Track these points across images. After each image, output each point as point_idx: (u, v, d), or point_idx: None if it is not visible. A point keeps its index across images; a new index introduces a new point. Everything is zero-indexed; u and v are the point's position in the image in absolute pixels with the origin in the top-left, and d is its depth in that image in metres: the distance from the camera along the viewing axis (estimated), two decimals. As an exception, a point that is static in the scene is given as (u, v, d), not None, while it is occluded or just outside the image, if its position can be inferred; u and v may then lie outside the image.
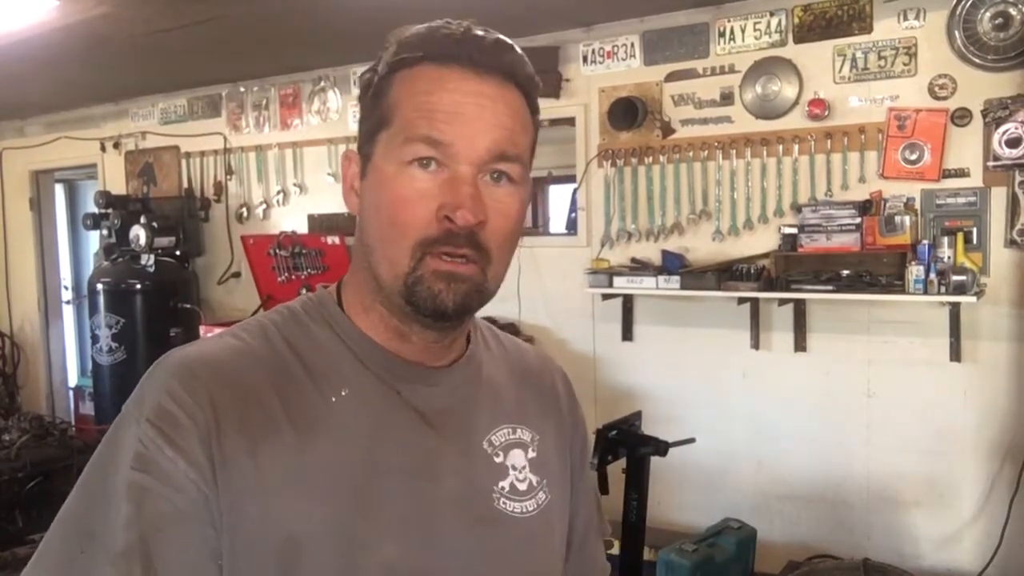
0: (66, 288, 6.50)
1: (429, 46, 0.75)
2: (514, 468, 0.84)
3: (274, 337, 0.79)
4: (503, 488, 0.82)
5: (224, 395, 0.72)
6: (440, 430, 0.80)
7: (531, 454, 0.87)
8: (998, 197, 2.91)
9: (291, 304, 0.84)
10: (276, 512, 0.71)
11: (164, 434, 0.69)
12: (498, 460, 0.83)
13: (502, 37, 0.79)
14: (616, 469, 2.89)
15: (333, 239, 4.21)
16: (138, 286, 4.69)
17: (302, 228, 4.47)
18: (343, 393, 0.77)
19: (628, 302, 3.64)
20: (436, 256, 0.73)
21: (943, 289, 2.83)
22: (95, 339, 4.79)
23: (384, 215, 0.74)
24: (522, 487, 0.84)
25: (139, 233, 4.65)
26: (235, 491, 0.70)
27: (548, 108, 3.76)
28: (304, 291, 3.77)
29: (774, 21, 3.24)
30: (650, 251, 3.55)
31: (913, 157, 3.02)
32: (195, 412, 0.70)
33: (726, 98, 3.36)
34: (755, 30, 3.28)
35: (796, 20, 3.20)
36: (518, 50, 0.80)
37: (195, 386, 0.71)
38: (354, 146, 0.82)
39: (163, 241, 4.72)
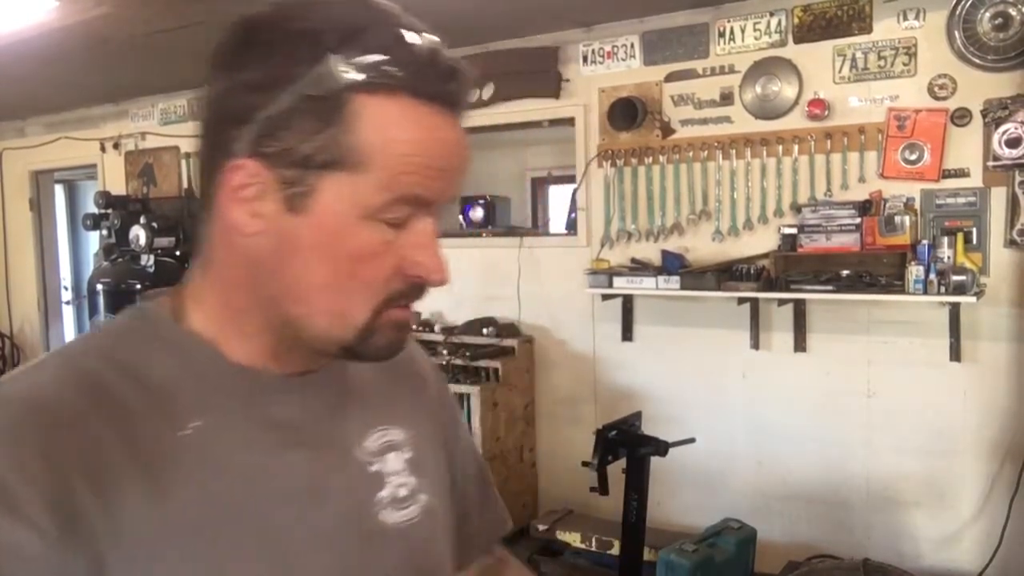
0: (66, 288, 6.50)
1: (406, 72, 0.63)
2: (391, 474, 0.77)
3: (101, 366, 0.66)
4: (383, 499, 0.75)
5: (56, 443, 0.60)
6: (313, 445, 0.71)
7: (407, 455, 0.79)
8: (998, 197, 2.91)
9: (114, 324, 0.71)
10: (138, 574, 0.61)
11: None
12: (373, 468, 0.76)
13: (461, 62, 0.68)
14: (616, 469, 2.89)
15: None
16: (138, 286, 4.69)
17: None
18: (197, 424, 0.66)
19: (628, 302, 3.64)
20: (394, 307, 0.68)
21: (943, 289, 2.83)
22: (95, 339, 4.78)
23: (342, 268, 0.65)
24: (402, 493, 0.77)
25: (139, 233, 4.66)
26: (92, 554, 0.59)
27: (548, 108, 3.78)
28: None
29: (774, 21, 3.24)
30: (650, 251, 3.55)
31: (913, 157, 3.02)
32: (26, 471, 0.58)
33: (726, 98, 3.36)
34: (755, 30, 3.28)
35: (796, 20, 3.20)
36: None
37: (20, 437, 0.60)
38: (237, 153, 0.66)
39: (163, 241, 4.72)
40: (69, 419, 0.62)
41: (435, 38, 0.66)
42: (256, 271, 0.67)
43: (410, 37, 0.64)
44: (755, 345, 3.35)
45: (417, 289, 0.68)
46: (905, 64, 3.02)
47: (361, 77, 0.61)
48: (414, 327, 4.05)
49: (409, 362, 0.87)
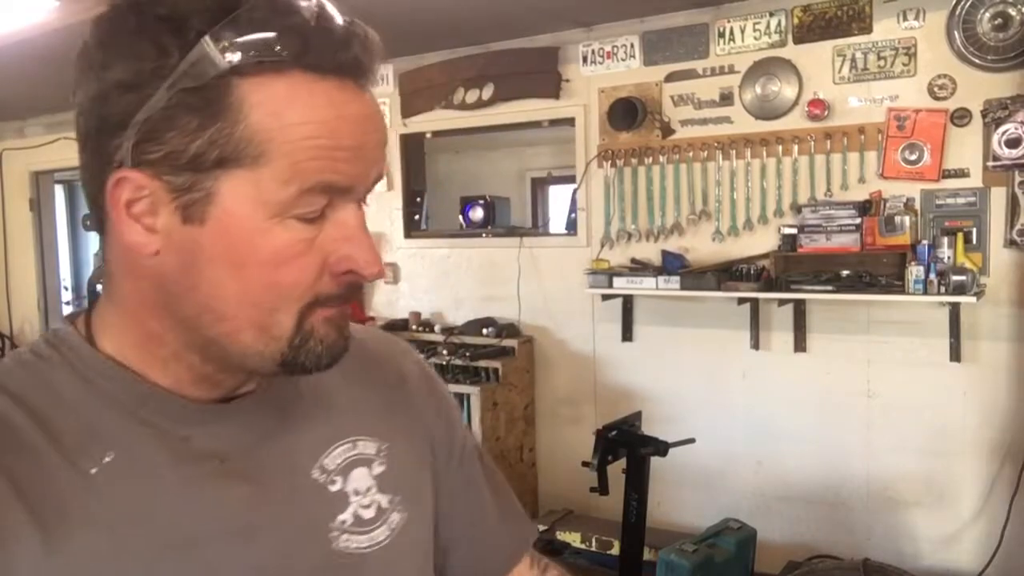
0: (66, 289, 6.50)
1: (292, 45, 0.54)
2: (356, 493, 0.69)
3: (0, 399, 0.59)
4: (344, 522, 0.68)
5: None
6: (251, 474, 0.64)
7: (377, 469, 0.72)
8: (998, 197, 2.91)
9: (22, 350, 0.64)
10: None
11: None
12: (335, 488, 0.68)
13: (358, 24, 0.59)
14: (616, 469, 2.89)
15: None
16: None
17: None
18: (106, 460, 0.58)
19: (628, 302, 3.64)
20: (323, 306, 0.60)
21: (943, 289, 2.83)
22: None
23: (256, 277, 0.57)
24: (368, 514, 0.69)
25: (139, 233, 4.65)
26: None
27: (548, 108, 3.78)
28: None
29: (774, 21, 3.24)
30: (650, 251, 3.55)
31: (913, 157, 3.02)
32: None
33: (726, 98, 3.36)
34: (755, 30, 3.28)
35: (796, 20, 3.20)
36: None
37: None
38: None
39: (163, 241, 4.72)
40: None
41: (330, 5, 0.57)
42: (165, 293, 0.60)
43: (292, 4, 0.55)
44: (755, 345, 3.35)
45: (351, 288, 0.61)
46: (905, 64, 3.02)
47: (240, 58, 0.53)
48: (414, 328, 4.05)
49: (384, 362, 0.80)
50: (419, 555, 0.76)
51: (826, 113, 3.14)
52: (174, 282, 0.59)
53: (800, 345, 3.27)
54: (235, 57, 0.53)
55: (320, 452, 0.69)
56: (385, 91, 4.14)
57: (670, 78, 3.48)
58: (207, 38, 0.53)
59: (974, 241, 2.94)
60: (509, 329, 3.90)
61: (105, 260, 0.64)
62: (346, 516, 0.68)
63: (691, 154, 3.45)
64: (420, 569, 0.76)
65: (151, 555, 0.58)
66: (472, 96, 3.92)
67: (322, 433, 0.70)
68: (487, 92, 3.88)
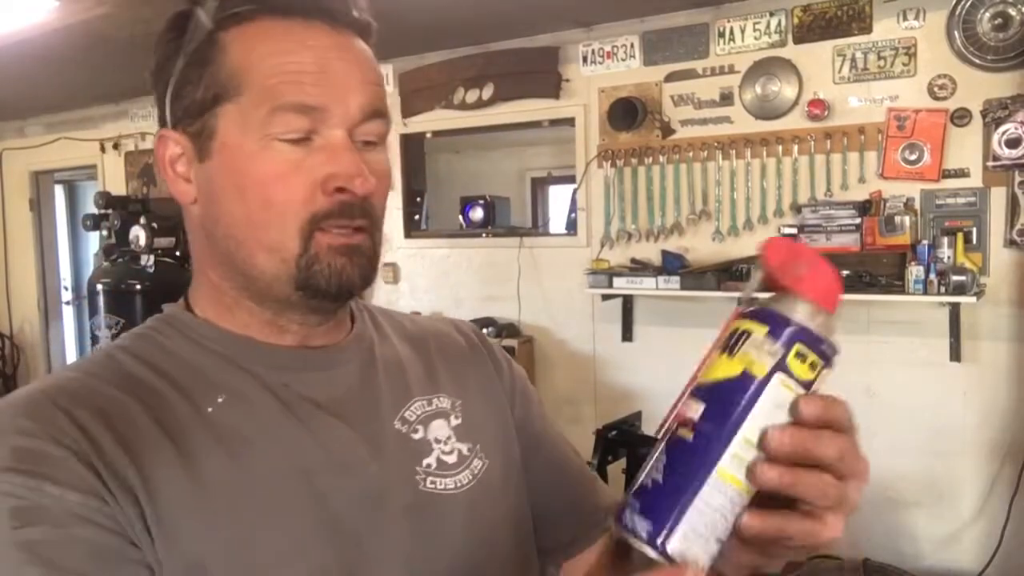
0: (66, 289, 6.50)
1: None
2: (438, 441, 0.75)
3: (122, 359, 0.68)
4: (429, 466, 0.73)
5: (86, 416, 0.61)
6: (344, 417, 0.70)
7: (455, 421, 0.77)
8: (998, 197, 2.91)
9: (133, 329, 0.74)
10: (175, 537, 0.60)
11: (37, 474, 0.57)
12: (417, 436, 0.74)
13: None
14: (616, 469, 2.89)
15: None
16: (138, 287, 4.68)
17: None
18: (219, 400, 0.67)
19: (628, 302, 3.64)
20: (327, 231, 0.66)
21: (943, 289, 2.83)
22: (95, 340, 4.78)
23: (253, 197, 0.65)
24: (451, 459, 0.75)
25: (139, 234, 4.65)
26: (132, 516, 0.59)
27: (548, 108, 3.78)
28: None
29: (774, 21, 3.24)
30: (650, 251, 3.55)
31: (913, 157, 3.02)
32: (63, 438, 0.59)
33: (726, 98, 3.36)
34: (755, 30, 3.28)
35: (796, 20, 3.20)
36: None
37: (51, 414, 0.61)
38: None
39: (163, 242, 4.71)
40: (98, 397, 0.63)
41: None
42: (209, 237, 0.70)
43: None
44: (755, 345, 3.34)
45: (345, 206, 0.66)
46: (905, 64, 3.02)
47: (220, 16, 0.66)
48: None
49: (444, 335, 0.86)
50: (505, 498, 0.79)
51: (826, 113, 3.14)
52: (210, 223, 0.69)
53: (800, 345, 3.27)
54: (217, 15, 0.66)
55: (400, 406, 0.75)
56: (385, 91, 4.14)
57: (670, 78, 3.48)
58: (199, 9, 0.67)
59: (974, 241, 2.94)
60: (509, 329, 3.90)
61: (187, 236, 0.74)
62: (431, 460, 0.74)
63: (691, 154, 3.45)
64: (508, 511, 0.79)
65: (271, 478, 0.65)
66: (472, 96, 3.92)
67: (399, 392, 0.76)
68: (487, 92, 3.88)
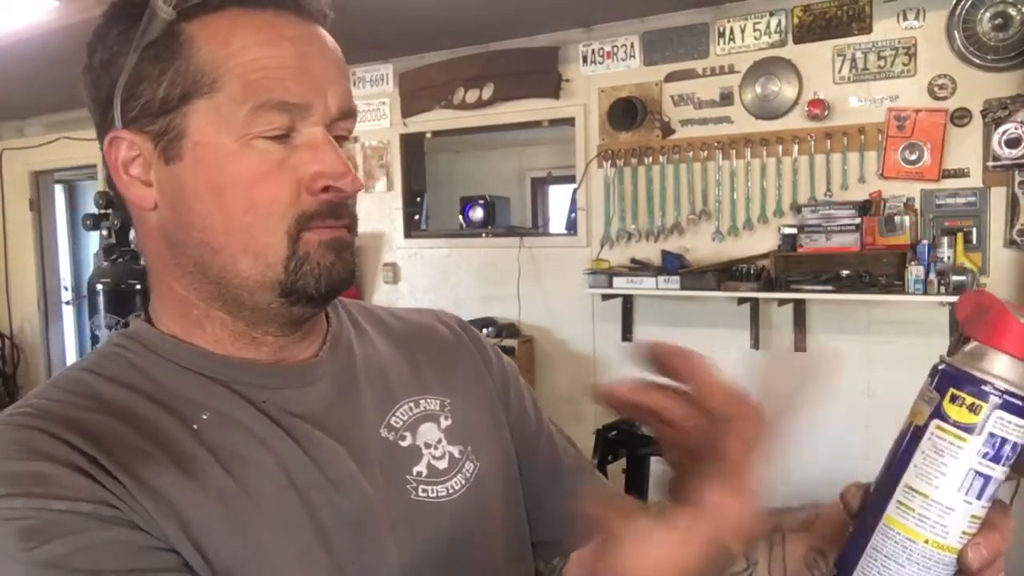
0: (66, 289, 6.51)
1: None
2: (427, 446, 0.72)
3: (90, 380, 0.63)
4: (420, 474, 0.70)
5: (74, 437, 0.57)
6: (329, 431, 0.67)
7: (445, 423, 0.74)
8: (998, 197, 2.91)
9: (97, 348, 0.70)
10: (206, 544, 0.59)
11: (38, 494, 0.53)
12: (405, 443, 0.71)
13: None
14: (616, 469, 2.89)
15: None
16: (138, 287, 4.68)
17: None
18: (204, 417, 0.63)
19: (628, 302, 3.64)
20: (315, 230, 0.63)
21: (943, 289, 2.83)
22: (95, 340, 4.79)
23: (234, 200, 0.61)
24: (442, 465, 0.72)
25: (139, 233, 4.66)
26: (151, 521, 0.57)
27: (548, 108, 3.78)
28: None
29: (774, 21, 3.24)
30: (650, 251, 3.55)
31: (913, 157, 3.02)
32: (56, 455, 0.55)
33: (726, 98, 3.36)
34: (755, 30, 3.28)
35: (796, 20, 3.20)
36: None
37: (34, 436, 0.57)
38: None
39: (163, 241, 4.72)
40: (78, 420, 0.59)
41: None
42: (172, 245, 0.65)
43: None
44: (755, 345, 3.35)
45: (332, 206, 0.63)
46: (905, 64, 3.02)
47: (183, 6, 0.60)
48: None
49: (427, 329, 0.83)
50: (499, 499, 0.77)
51: (826, 113, 3.14)
52: (174, 228, 0.64)
53: (800, 345, 3.27)
54: (178, 6, 0.60)
55: (385, 413, 0.72)
56: (385, 91, 4.15)
57: (670, 78, 3.48)
58: None
59: (974, 241, 2.94)
60: (509, 329, 3.90)
61: (138, 245, 0.70)
62: (421, 468, 0.71)
63: (691, 154, 3.45)
64: (502, 513, 0.77)
65: (267, 493, 0.62)
66: (472, 96, 3.92)
67: (383, 397, 0.73)
68: (487, 92, 3.88)
